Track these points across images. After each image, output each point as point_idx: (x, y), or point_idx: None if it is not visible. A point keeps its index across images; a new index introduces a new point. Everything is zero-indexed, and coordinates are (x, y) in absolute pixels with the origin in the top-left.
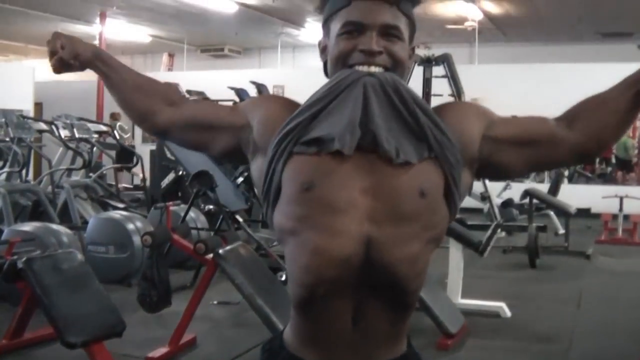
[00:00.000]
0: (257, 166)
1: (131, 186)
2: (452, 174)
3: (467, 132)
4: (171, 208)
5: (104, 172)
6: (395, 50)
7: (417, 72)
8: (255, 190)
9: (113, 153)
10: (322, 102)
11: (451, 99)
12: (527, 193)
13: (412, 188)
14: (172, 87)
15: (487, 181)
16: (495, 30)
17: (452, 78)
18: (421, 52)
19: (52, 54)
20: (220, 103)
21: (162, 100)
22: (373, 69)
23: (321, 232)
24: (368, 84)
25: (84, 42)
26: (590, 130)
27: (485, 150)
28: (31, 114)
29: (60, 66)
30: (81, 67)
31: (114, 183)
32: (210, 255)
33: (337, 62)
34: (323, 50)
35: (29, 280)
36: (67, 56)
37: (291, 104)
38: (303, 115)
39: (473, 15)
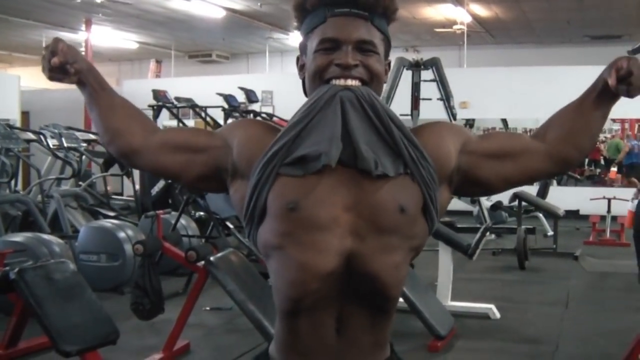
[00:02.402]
0: (238, 188)
1: (119, 193)
2: (428, 192)
3: (444, 148)
4: (162, 216)
5: (94, 180)
6: (371, 63)
7: (406, 76)
8: (236, 210)
9: (102, 161)
10: (304, 121)
11: (440, 103)
12: (516, 196)
13: (392, 204)
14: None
15: None
16: (484, 33)
17: (441, 82)
18: (410, 56)
19: (53, 54)
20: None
21: (142, 124)
22: (350, 82)
23: (306, 248)
24: (345, 98)
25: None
26: (563, 135)
27: (463, 165)
28: (18, 123)
29: (59, 68)
30: (75, 76)
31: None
32: (202, 263)
33: (315, 77)
34: (301, 68)
35: (22, 291)
36: (71, 58)
37: (271, 128)
38: (286, 137)
39: (462, 19)
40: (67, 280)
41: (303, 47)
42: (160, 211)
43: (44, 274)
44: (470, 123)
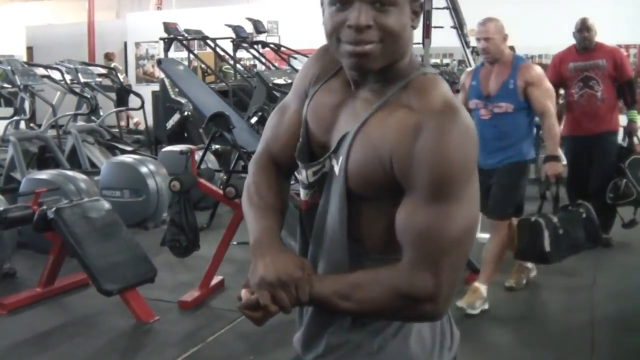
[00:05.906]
0: None
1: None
2: None
3: None
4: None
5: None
6: (386, 22)
7: None
8: None
9: (112, 95)
10: None
11: (452, 31)
12: None
13: None
14: None
15: None
16: None
17: (454, 9)
18: None
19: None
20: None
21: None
22: (358, 49)
23: None
24: None
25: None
26: None
27: None
28: (24, 58)
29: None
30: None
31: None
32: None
33: (331, 37)
34: (321, 4)
35: (61, 230)
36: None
37: None
38: None
39: None
40: (104, 218)
41: None
42: (195, 147)
43: (81, 212)
44: (476, 51)
